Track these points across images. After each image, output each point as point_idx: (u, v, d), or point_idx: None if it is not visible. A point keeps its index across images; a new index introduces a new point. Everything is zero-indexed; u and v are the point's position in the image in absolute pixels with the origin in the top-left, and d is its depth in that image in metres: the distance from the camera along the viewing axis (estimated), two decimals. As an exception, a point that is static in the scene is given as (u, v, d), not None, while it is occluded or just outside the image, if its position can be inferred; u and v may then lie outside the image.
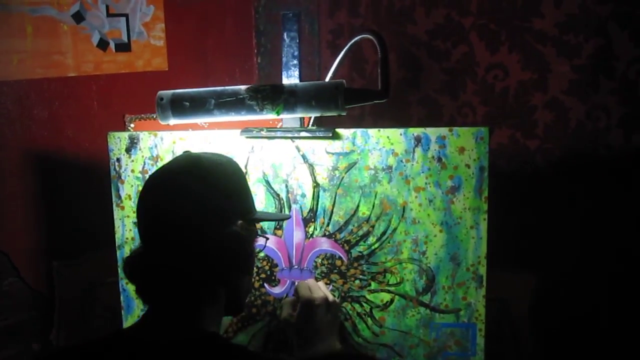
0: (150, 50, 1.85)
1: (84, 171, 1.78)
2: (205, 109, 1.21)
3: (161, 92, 1.25)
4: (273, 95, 1.18)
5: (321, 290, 1.33)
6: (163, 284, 1.04)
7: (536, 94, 1.66)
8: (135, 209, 1.30)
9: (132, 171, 1.45)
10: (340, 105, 1.19)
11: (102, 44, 1.77)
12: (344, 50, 1.29)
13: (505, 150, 1.73)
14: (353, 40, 1.27)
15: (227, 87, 1.22)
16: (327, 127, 1.37)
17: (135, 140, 1.44)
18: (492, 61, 1.70)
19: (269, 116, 1.23)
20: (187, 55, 1.96)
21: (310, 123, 1.40)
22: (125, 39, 1.80)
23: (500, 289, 1.79)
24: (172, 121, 1.27)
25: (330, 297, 1.32)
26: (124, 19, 1.79)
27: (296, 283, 1.41)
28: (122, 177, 1.46)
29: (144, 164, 1.44)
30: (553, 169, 1.65)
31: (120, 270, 1.47)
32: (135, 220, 1.09)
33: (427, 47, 1.80)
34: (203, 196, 1.04)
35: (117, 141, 1.45)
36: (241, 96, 1.19)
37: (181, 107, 1.23)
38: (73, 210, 1.78)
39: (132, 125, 1.82)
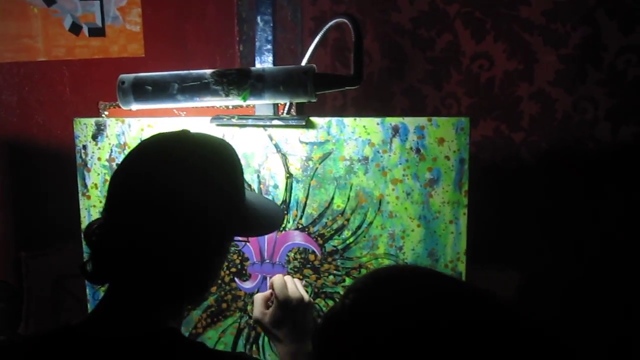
0: (126, 35, 1.79)
1: (54, 159, 1.73)
2: (168, 94, 1.15)
3: (122, 76, 1.19)
4: (239, 80, 1.12)
5: (298, 289, 1.26)
6: (126, 259, 0.93)
7: (522, 85, 1.60)
8: (103, 196, 1.23)
9: (99, 159, 1.39)
10: (309, 91, 1.13)
11: (75, 28, 1.71)
12: (320, 34, 1.23)
13: (489, 143, 1.68)
14: (328, 24, 1.22)
15: (192, 71, 1.17)
16: (300, 116, 1.32)
17: (102, 127, 1.38)
18: (478, 50, 1.65)
19: (234, 102, 1.17)
20: (165, 41, 1.89)
21: (285, 111, 1.34)
22: (99, 23, 1.74)
23: (481, 285, 1.74)
24: (134, 106, 1.21)
25: (307, 298, 1.25)
26: (97, 2, 1.73)
27: (270, 278, 1.35)
28: (89, 165, 1.40)
29: (111, 151, 1.38)
30: (538, 162, 1.60)
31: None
32: (106, 195, 0.98)
33: (411, 36, 1.74)
34: (209, 176, 0.96)
35: (84, 127, 1.39)
36: (206, 80, 1.13)
37: (143, 91, 1.17)
38: (42, 200, 1.73)
39: (106, 112, 1.75)
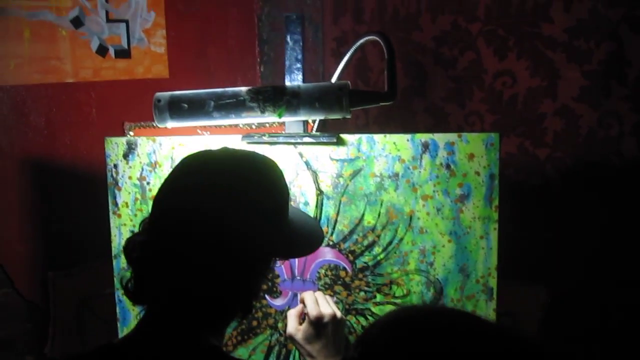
0: (151, 57, 1.81)
1: (81, 179, 1.74)
2: (204, 111, 1.17)
3: (158, 94, 1.20)
4: (275, 97, 1.13)
5: (330, 306, 1.25)
6: (169, 282, 0.92)
7: (546, 101, 1.61)
8: (134, 215, 1.22)
9: (130, 178, 1.41)
10: (344, 107, 1.14)
11: (101, 50, 1.74)
12: (350, 51, 1.25)
13: (513, 160, 1.69)
14: (359, 42, 1.23)
15: (227, 89, 1.18)
16: (331, 133, 1.33)
17: (133, 146, 1.39)
18: (500, 68, 1.66)
19: (270, 119, 1.18)
20: (189, 62, 1.92)
21: (315, 129, 1.35)
22: (125, 45, 1.76)
23: (509, 302, 1.73)
24: (170, 124, 1.22)
25: (339, 314, 1.25)
26: (124, 24, 1.75)
27: (301, 294, 1.35)
28: (119, 184, 1.41)
29: (142, 170, 1.39)
30: (563, 178, 1.60)
31: (116, 281, 1.42)
32: (151, 211, 0.97)
33: (433, 54, 1.76)
34: (254, 202, 0.94)
35: (115, 147, 1.40)
36: (242, 98, 1.15)
37: (179, 109, 1.18)
38: (70, 220, 1.74)
39: (131, 132, 1.77)
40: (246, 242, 0.93)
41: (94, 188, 1.53)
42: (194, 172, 0.97)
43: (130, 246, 0.97)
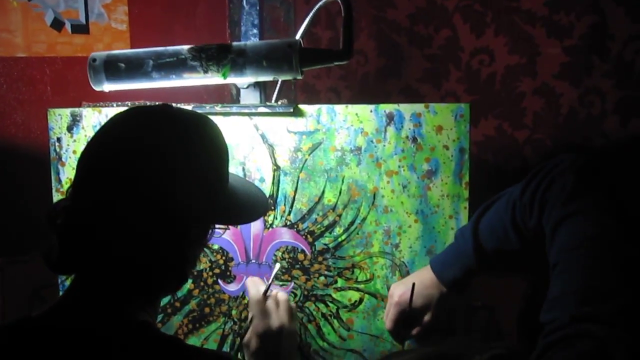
0: (111, 33, 1.71)
1: (34, 160, 1.64)
2: (142, 71, 1.07)
3: (94, 53, 1.11)
4: (219, 55, 1.04)
5: (279, 312, 1.17)
6: (93, 248, 0.83)
7: (525, 80, 1.52)
8: None
9: (74, 152, 1.30)
10: (295, 66, 1.05)
11: (57, 24, 1.64)
12: (312, 12, 1.16)
13: (492, 143, 1.59)
14: (321, 3, 1.14)
15: (168, 47, 1.09)
16: (288, 103, 1.23)
17: (77, 118, 1.29)
18: (478, 45, 1.57)
19: (214, 80, 1.08)
20: (153, 41, 1.80)
21: (274, 99, 1.25)
22: (82, 20, 1.66)
23: (486, 295, 1.64)
24: (107, 86, 1.12)
25: (287, 324, 1.15)
26: (81, -2, 1.66)
27: (248, 297, 1.24)
28: (63, 159, 1.31)
29: (87, 144, 1.29)
30: (543, 161, 1.50)
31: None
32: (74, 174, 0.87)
33: (407, 33, 1.66)
34: (190, 164, 0.87)
35: (58, 119, 1.30)
36: (183, 56, 1.05)
37: (116, 69, 1.08)
38: (21, 203, 1.63)
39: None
40: (180, 207, 0.85)
41: (47, 169, 1.42)
42: (124, 130, 0.88)
43: (54, 211, 0.87)
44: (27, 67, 1.62)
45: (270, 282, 1.20)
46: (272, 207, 1.24)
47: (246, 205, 1.00)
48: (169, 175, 0.84)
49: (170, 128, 0.87)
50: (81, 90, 1.69)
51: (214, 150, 0.91)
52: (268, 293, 1.20)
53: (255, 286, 1.21)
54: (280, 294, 1.21)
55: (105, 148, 0.86)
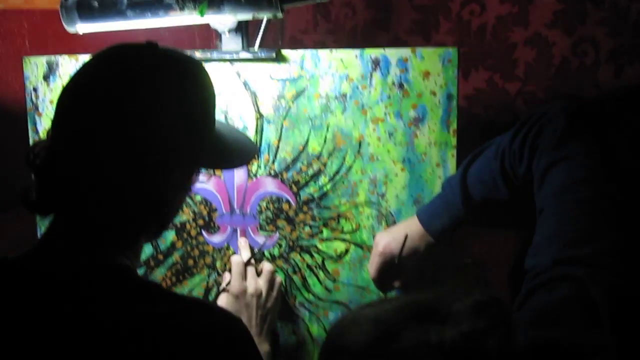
0: (92, -14, 1.66)
1: (11, 114, 1.60)
2: (117, 10, 1.03)
3: (67, -8, 1.07)
4: (195, -9, 1.00)
5: (258, 280, 1.18)
6: (73, 187, 0.80)
7: (516, 30, 1.48)
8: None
9: (51, 102, 1.27)
10: (274, 2, 1.01)
11: (35, -25, 1.59)
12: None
13: (482, 96, 1.56)
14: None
15: (142, -16, 1.05)
16: (270, 49, 1.19)
17: (54, 66, 1.25)
18: (468, -6, 1.53)
19: (191, 18, 1.04)
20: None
21: (257, 44, 1.21)
22: (62, -29, 1.61)
23: (477, 251, 1.62)
24: (80, 26, 1.08)
25: (264, 291, 1.16)
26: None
27: (240, 231, 1.23)
28: (40, 109, 1.27)
29: (64, 93, 1.25)
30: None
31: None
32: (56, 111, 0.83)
33: (397, -16, 1.62)
34: (174, 103, 0.83)
35: (34, 67, 1.26)
36: (158, -7, 1.01)
37: (89, 8, 1.04)
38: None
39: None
40: (164, 146, 0.82)
41: (25, 124, 1.38)
42: (108, 63, 0.84)
43: (32, 151, 0.84)
44: (3, 19, 1.57)
45: (254, 253, 1.21)
46: (257, 156, 1.21)
47: (233, 150, 0.97)
48: (154, 112, 0.81)
49: (157, 64, 0.84)
50: (59, 44, 1.64)
51: (202, 91, 0.88)
52: (251, 261, 1.19)
53: (243, 248, 1.20)
54: (266, 264, 1.20)
55: (87, 82, 0.82)
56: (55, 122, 0.84)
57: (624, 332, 0.71)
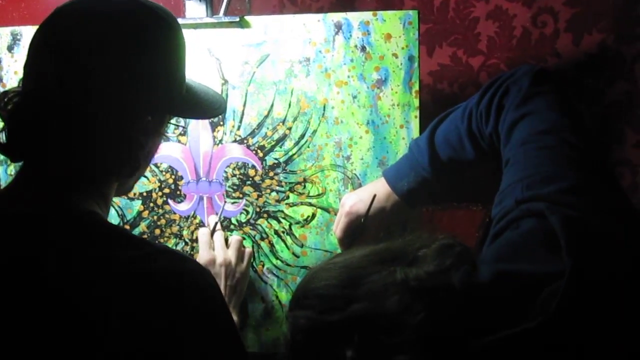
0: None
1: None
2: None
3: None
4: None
5: (226, 251, 1.18)
6: (42, 130, 0.80)
7: (478, 4, 1.50)
8: None
9: (15, 73, 1.26)
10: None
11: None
12: None
13: (447, 72, 1.57)
14: None
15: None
16: (233, 15, 1.20)
17: (18, 37, 1.25)
18: (431, -29, 1.56)
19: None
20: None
21: (222, 11, 1.22)
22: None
23: (447, 225, 1.63)
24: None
25: (233, 261, 1.16)
26: None
27: (206, 199, 1.23)
28: (4, 80, 1.27)
29: (28, 64, 1.25)
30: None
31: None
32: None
33: (361, -37, 1.65)
34: (149, 38, 0.84)
35: (-3, 39, 1.26)
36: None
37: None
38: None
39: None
40: (134, 94, 0.82)
41: None
42: (79, 12, 0.83)
43: (4, 98, 0.83)
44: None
45: (218, 218, 1.21)
46: (222, 123, 1.22)
47: (204, 102, 0.97)
48: (126, 57, 0.81)
49: (132, 9, 0.84)
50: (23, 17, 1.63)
51: (174, 39, 0.88)
52: (217, 228, 1.19)
53: (212, 220, 1.22)
54: (234, 236, 1.20)
55: (60, 27, 0.82)
56: (26, 67, 0.84)
57: (579, 259, 0.72)
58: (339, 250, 1.20)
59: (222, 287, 1.13)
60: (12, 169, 1.27)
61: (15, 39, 1.25)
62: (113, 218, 1.25)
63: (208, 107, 0.98)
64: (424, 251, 0.79)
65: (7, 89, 0.88)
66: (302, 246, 1.23)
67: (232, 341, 0.83)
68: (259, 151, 1.22)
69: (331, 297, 0.76)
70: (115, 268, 0.77)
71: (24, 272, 0.76)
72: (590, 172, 0.90)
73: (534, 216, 0.83)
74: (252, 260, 1.22)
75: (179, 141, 1.23)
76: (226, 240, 1.19)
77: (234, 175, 1.23)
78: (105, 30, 0.81)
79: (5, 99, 0.83)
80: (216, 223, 1.20)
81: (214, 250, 1.17)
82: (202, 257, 1.15)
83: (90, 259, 0.77)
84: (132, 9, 0.84)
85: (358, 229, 1.15)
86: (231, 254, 1.17)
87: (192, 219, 1.25)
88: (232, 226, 1.24)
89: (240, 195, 1.23)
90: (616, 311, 0.72)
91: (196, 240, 1.22)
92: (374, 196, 1.13)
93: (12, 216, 0.80)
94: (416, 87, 1.18)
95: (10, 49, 1.25)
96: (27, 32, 1.24)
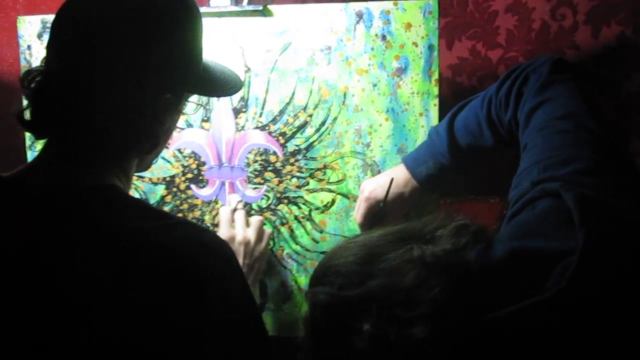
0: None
1: (5, 87, 1.63)
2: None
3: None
4: None
5: (246, 230, 1.20)
6: (67, 106, 0.82)
7: (497, -2, 1.53)
8: None
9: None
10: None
11: (29, -49, 1.63)
12: None
13: (466, 65, 1.59)
14: None
15: None
16: (257, 4, 1.23)
17: (47, 25, 1.29)
18: (451, -34, 1.57)
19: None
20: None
21: (246, 1, 1.25)
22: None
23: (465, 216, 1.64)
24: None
25: (252, 239, 1.19)
26: None
27: (228, 184, 1.26)
28: (33, 66, 1.30)
29: (57, 51, 1.28)
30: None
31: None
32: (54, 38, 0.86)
33: (382, -41, 1.67)
34: (170, 19, 0.87)
35: (28, 26, 1.29)
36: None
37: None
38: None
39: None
40: (156, 72, 0.85)
41: (19, 98, 1.39)
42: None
43: (27, 75, 0.87)
44: (-3, -9, 1.61)
45: (239, 197, 1.24)
46: (244, 109, 1.24)
47: (220, 80, 1.00)
48: (149, 37, 0.84)
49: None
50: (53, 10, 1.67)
51: (193, 20, 0.90)
52: (239, 207, 1.22)
53: (233, 199, 1.24)
54: (255, 217, 1.22)
55: (85, 6, 0.85)
56: (48, 46, 0.87)
57: (593, 232, 0.74)
58: (357, 236, 1.22)
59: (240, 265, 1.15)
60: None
61: (45, 27, 1.28)
62: (137, 202, 1.27)
63: (225, 86, 1.00)
64: (441, 231, 0.81)
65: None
66: (321, 232, 1.25)
67: (249, 311, 0.85)
68: (280, 138, 1.24)
69: (350, 274, 0.77)
70: (136, 237, 0.79)
71: (47, 243, 0.79)
72: (606, 156, 0.92)
73: (549, 196, 0.85)
74: (272, 244, 1.25)
75: (203, 127, 1.26)
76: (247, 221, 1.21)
77: (256, 161, 1.25)
78: (126, 9, 0.84)
79: (29, 77, 0.87)
80: (238, 202, 1.22)
81: (235, 228, 1.19)
82: (222, 234, 1.17)
83: (110, 228, 0.80)
84: None
85: (378, 215, 1.17)
86: (251, 233, 1.19)
87: (214, 204, 1.28)
88: (252, 211, 1.26)
89: (262, 181, 1.26)
90: (629, 287, 0.73)
91: (217, 225, 1.25)
92: (392, 180, 1.15)
93: (35, 189, 0.83)
94: (436, 75, 1.20)
95: (40, 36, 1.29)
96: (56, 20, 1.27)
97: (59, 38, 0.86)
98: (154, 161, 1.00)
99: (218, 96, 1.15)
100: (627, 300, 0.73)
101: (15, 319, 0.77)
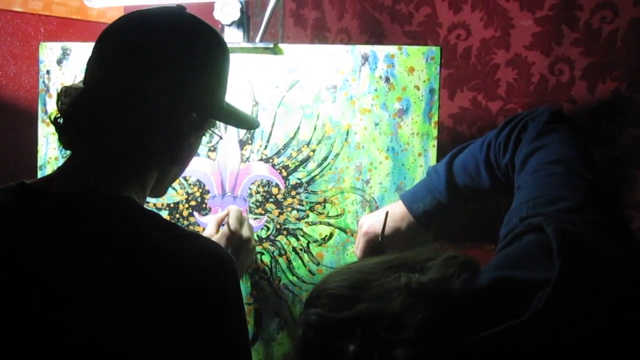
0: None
1: (22, 114, 1.68)
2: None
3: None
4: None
5: (249, 231, 1.23)
6: (96, 122, 0.88)
7: (499, 52, 1.59)
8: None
9: (62, 84, 1.35)
10: None
11: (54, -15, 1.71)
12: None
13: (467, 115, 1.65)
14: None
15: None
16: (268, 41, 1.29)
17: (67, 52, 1.35)
18: (455, 21, 1.64)
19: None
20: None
21: (258, 39, 1.31)
22: (79, -16, 1.74)
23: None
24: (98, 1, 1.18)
25: (253, 243, 1.23)
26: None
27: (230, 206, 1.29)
28: (51, 91, 1.36)
29: (75, 77, 1.34)
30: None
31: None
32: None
33: (390, 12, 1.74)
34: (203, 51, 0.94)
35: (49, 52, 1.35)
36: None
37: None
38: (4, 159, 1.66)
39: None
40: (187, 91, 0.92)
41: (35, 126, 1.44)
42: (143, 21, 0.93)
43: (64, 92, 0.93)
44: (22, 22, 1.68)
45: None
46: (250, 142, 1.29)
47: (240, 114, 1.06)
48: (180, 64, 0.91)
49: (192, 23, 0.94)
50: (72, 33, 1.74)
51: (221, 52, 0.98)
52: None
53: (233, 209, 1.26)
54: (232, 205, 1.24)
55: (126, 33, 0.92)
56: (89, 62, 0.92)
57: (569, 260, 0.77)
58: (353, 271, 1.25)
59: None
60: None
61: (65, 54, 1.35)
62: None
63: (244, 119, 1.06)
64: (431, 262, 0.85)
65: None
66: (318, 264, 1.28)
67: (239, 330, 0.89)
68: (283, 170, 1.28)
69: (341, 297, 0.81)
70: (145, 245, 0.83)
71: (59, 249, 0.83)
72: (595, 199, 0.95)
73: (535, 231, 0.89)
74: (268, 273, 1.28)
75: (209, 157, 1.30)
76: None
77: (258, 192, 1.29)
78: (168, 35, 0.91)
79: (64, 95, 0.93)
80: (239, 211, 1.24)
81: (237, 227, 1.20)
82: (206, 232, 1.21)
83: (122, 236, 0.84)
84: (189, 22, 0.94)
85: (376, 249, 1.20)
86: (232, 223, 1.19)
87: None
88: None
89: (263, 212, 1.29)
90: (604, 312, 0.76)
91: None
92: (387, 213, 1.19)
93: (54, 197, 0.87)
94: (435, 118, 1.25)
95: (59, 62, 1.35)
96: (77, 48, 1.34)
97: (102, 54, 0.91)
98: (171, 185, 1.04)
99: (236, 126, 1.20)
100: (603, 325, 0.76)
101: (30, 323, 0.80)
